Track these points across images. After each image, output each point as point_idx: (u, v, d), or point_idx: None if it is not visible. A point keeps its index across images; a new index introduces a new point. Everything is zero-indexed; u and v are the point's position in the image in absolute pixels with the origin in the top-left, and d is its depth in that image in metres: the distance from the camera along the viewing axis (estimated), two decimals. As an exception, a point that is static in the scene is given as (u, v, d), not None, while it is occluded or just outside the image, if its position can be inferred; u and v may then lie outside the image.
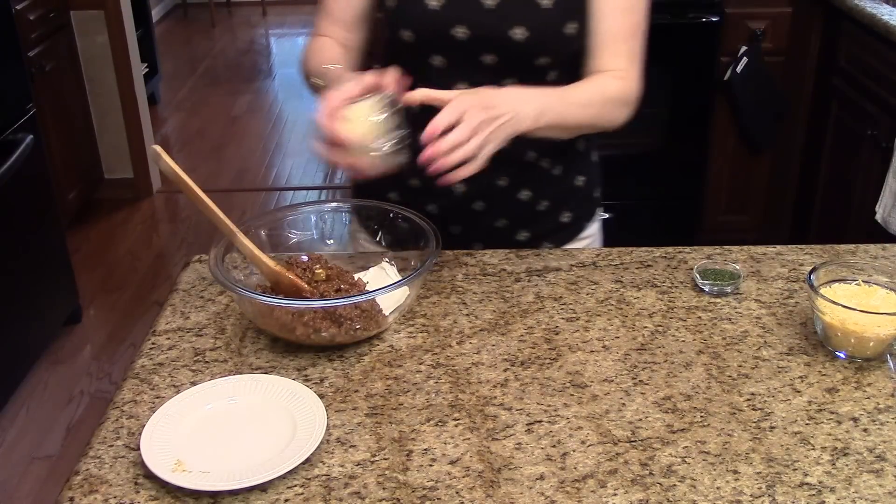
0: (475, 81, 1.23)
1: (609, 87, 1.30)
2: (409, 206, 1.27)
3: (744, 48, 2.95)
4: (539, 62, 1.28)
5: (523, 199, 1.37)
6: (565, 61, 1.30)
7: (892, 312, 1.08)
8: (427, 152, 1.09)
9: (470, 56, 1.27)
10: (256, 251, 1.14)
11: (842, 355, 1.09)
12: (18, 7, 3.04)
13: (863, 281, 1.14)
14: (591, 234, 1.49)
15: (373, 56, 1.41)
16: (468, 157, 1.10)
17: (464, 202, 1.35)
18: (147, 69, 4.66)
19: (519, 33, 1.24)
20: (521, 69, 1.28)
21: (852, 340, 1.08)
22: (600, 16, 1.29)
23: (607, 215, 3.28)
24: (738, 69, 2.95)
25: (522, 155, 1.34)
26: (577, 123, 1.29)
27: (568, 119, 1.26)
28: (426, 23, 1.27)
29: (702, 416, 0.99)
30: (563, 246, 1.43)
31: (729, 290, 1.23)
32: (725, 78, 2.98)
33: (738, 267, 1.25)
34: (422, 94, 1.15)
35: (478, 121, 1.10)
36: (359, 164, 1.13)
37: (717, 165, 3.18)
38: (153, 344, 1.14)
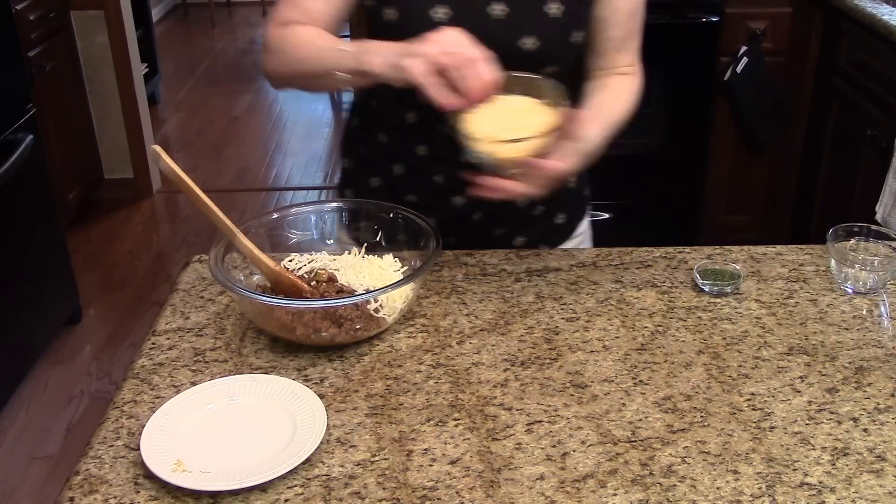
0: None
1: (630, 93, 1.36)
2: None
3: (744, 48, 2.95)
4: (546, 71, 1.28)
5: (521, 205, 1.37)
6: (569, 69, 1.32)
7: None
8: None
9: None
10: (256, 251, 1.14)
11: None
12: (18, 7, 3.04)
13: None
14: (582, 231, 1.50)
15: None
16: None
17: (463, 214, 1.35)
18: (147, 69, 4.66)
19: (529, 43, 1.25)
20: None
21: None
22: (611, 23, 1.33)
23: (606, 215, 3.28)
24: (738, 69, 2.95)
25: None
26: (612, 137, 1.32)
27: (606, 142, 1.30)
28: None
29: (702, 416, 0.99)
30: (558, 247, 1.43)
31: (729, 290, 1.23)
32: (725, 78, 2.97)
33: (738, 267, 1.25)
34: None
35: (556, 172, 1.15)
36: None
37: (717, 165, 3.18)
38: (153, 344, 1.14)
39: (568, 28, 1.27)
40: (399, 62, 1.10)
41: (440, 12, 1.23)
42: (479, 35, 1.23)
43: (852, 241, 1.26)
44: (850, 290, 1.23)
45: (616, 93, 1.35)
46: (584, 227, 1.51)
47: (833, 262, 1.24)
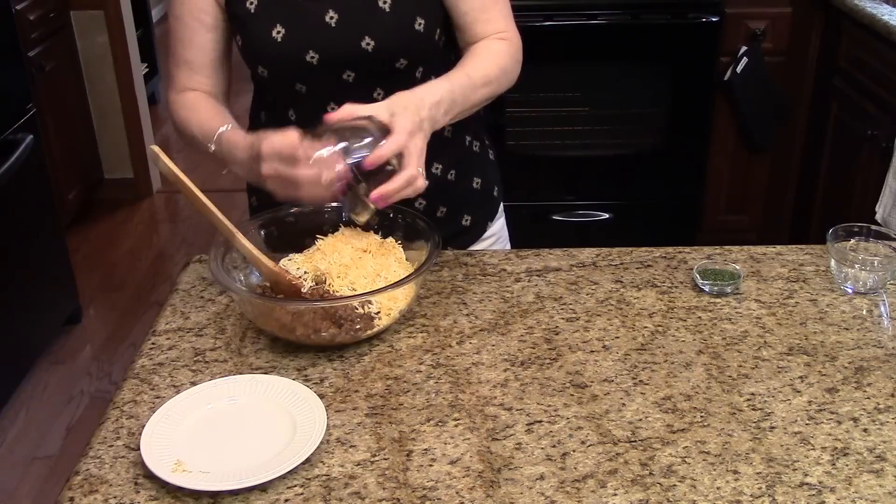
0: (342, 99, 1.22)
1: (501, 54, 1.31)
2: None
3: (744, 48, 2.95)
4: (398, 66, 1.29)
5: (419, 207, 1.36)
6: (424, 58, 1.31)
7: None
8: (389, 195, 1.09)
9: (329, 77, 1.28)
10: (255, 252, 1.14)
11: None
12: (18, 7, 3.04)
13: None
14: (495, 232, 1.50)
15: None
16: (419, 188, 1.12)
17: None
18: (147, 69, 4.66)
19: (368, 44, 1.25)
20: (383, 77, 1.29)
21: None
22: None
23: (606, 215, 3.31)
24: (738, 69, 2.95)
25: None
26: (482, 101, 1.30)
27: (472, 102, 1.27)
28: (275, 56, 1.27)
29: (702, 416, 0.99)
30: (468, 248, 1.43)
31: (729, 290, 1.23)
32: (725, 78, 2.97)
33: (738, 267, 1.25)
34: (344, 112, 1.13)
35: (419, 149, 1.11)
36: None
37: (717, 165, 3.18)
38: (153, 344, 1.14)
39: (406, 18, 1.26)
40: (248, 174, 1.20)
41: (276, 34, 1.25)
42: (318, 47, 1.24)
43: (852, 241, 1.26)
44: (850, 290, 1.23)
45: (480, 53, 1.31)
46: (497, 227, 1.51)
47: (833, 262, 1.24)
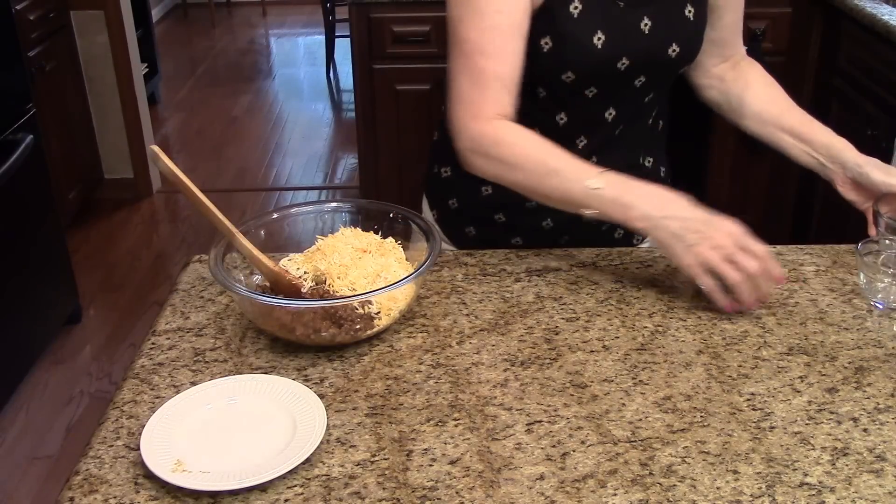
0: (622, 103, 1.27)
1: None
2: (493, 240, 1.38)
3: (744, 48, 2.95)
4: (681, 71, 1.36)
5: None
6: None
7: None
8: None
9: (626, 82, 1.29)
10: (256, 252, 1.14)
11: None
12: (18, 7, 3.04)
13: None
14: None
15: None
16: None
17: (577, 213, 1.36)
18: (147, 69, 4.67)
19: (674, 50, 1.29)
20: (665, 82, 1.35)
21: None
22: (728, 7, 1.38)
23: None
24: (738, 69, 2.94)
25: (638, 159, 1.42)
26: None
27: None
28: (590, 62, 1.24)
29: (702, 416, 0.99)
30: (645, 238, 1.49)
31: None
32: (725, 78, 2.97)
33: (738, 267, 1.25)
34: None
35: None
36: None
37: (717, 165, 3.18)
38: (153, 344, 1.14)
39: (701, 28, 1.33)
40: (682, 242, 1.14)
41: (597, 40, 1.23)
42: (632, 54, 1.26)
43: (883, 256, 1.19)
44: (880, 307, 1.18)
45: (775, 87, 1.47)
46: None
47: (862, 276, 1.19)
